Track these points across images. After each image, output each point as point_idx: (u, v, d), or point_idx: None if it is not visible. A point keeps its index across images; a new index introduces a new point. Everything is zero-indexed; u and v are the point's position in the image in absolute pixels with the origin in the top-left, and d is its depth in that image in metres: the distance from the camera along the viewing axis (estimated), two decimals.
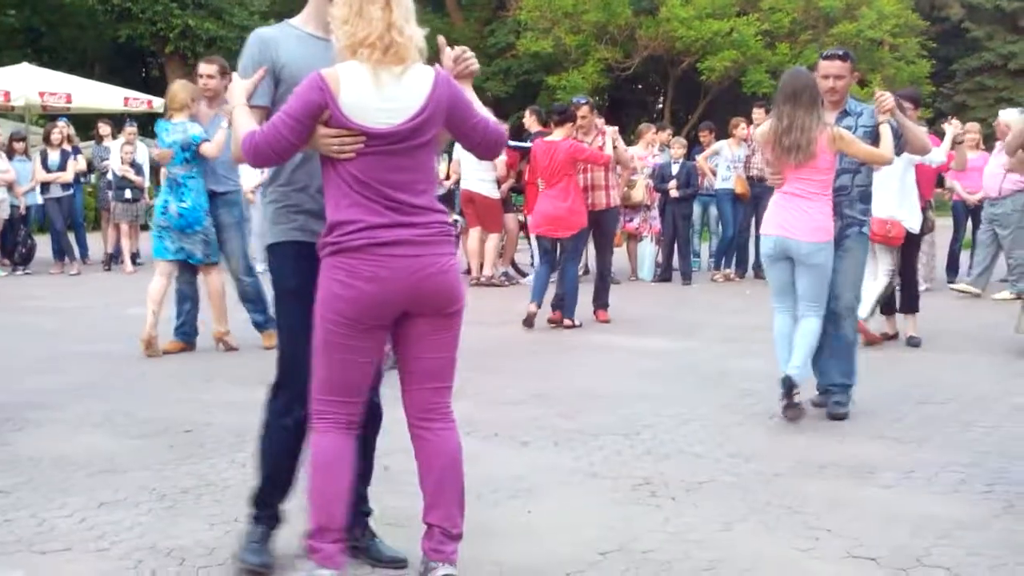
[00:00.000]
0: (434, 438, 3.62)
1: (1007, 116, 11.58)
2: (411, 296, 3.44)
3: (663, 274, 14.00)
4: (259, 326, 8.49)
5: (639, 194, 13.71)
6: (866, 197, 6.50)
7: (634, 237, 14.23)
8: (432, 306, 3.50)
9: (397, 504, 4.56)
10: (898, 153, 6.45)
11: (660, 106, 33.21)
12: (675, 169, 13.69)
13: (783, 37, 27.50)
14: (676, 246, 13.93)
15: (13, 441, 5.61)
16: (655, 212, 14.04)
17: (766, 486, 4.88)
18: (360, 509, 3.94)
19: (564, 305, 9.79)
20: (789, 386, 6.01)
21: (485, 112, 3.67)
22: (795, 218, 6.10)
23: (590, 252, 12.30)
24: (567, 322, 9.76)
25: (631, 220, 13.97)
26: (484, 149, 3.71)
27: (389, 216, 3.41)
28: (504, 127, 3.88)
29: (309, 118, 3.38)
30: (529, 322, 9.64)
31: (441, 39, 3.81)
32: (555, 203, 9.67)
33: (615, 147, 10.16)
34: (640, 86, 35.56)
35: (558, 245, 9.94)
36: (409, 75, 3.42)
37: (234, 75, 3.77)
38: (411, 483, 4.84)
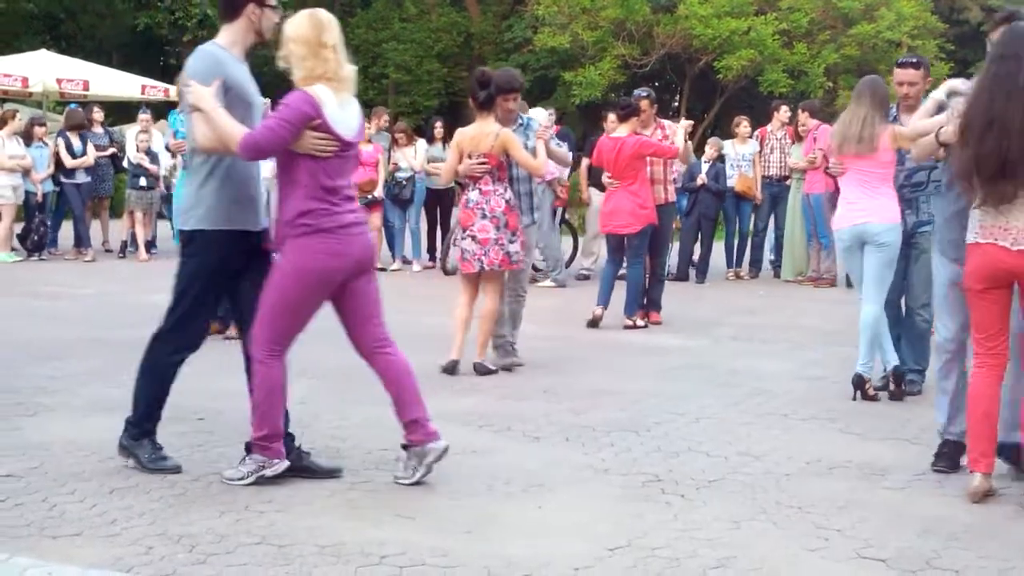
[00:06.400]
0: (394, 358, 4.72)
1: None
2: (360, 261, 4.63)
3: (679, 273, 13.94)
4: None
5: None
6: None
7: None
8: (369, 266, 4.74)
9: (409, 494, 4.57)
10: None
11: (676, 104, 33.11)
12: (704, 168, 13.54)
13: (801, 37, 27.32)
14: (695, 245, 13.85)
15: (25, 426, 5.64)
16: None
17: (776, 485, 4.88)
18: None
19: (626, 304, 9.51)
20: (859, 382, 6.63)
21: None
22: (864, 205, 6.61)
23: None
24: (627, 322, 9.45)
25: None
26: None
27: (342, 205, 4.53)
28: None
29: (303, 125, 4.40)
30: (594, 323, 9.41)
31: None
32: (625, 200, 9.31)
33: (686, 140, 9.71)
34: (657, 84, 35.43)
35: (625, 243, 9.54)
36: (353, 102, 4.62)
37: (192, 81, 4.55)
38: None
